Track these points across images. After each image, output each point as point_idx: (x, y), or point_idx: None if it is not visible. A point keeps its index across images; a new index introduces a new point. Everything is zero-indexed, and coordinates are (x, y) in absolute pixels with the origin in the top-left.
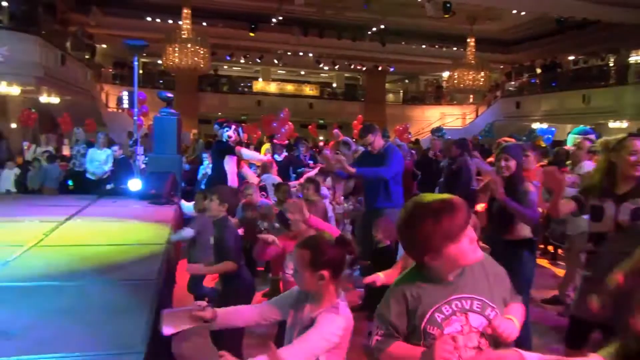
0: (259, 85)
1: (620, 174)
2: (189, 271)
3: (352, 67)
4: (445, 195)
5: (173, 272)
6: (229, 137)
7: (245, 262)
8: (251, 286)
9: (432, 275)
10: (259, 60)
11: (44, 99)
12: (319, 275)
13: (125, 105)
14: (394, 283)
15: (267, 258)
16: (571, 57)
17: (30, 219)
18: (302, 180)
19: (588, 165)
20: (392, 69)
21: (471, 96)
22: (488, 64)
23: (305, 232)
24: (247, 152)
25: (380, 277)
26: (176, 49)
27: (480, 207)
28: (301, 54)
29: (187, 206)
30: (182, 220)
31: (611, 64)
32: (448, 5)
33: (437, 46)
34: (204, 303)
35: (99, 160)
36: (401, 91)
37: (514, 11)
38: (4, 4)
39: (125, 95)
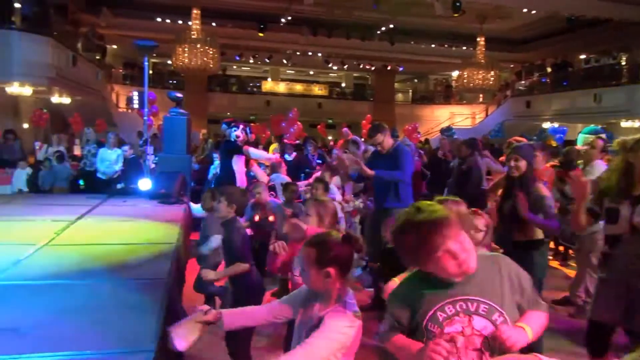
0: (268, 85)
1: (638, 175)
2: (205, 278)
3: (361, 66)
4: (435, 209)
5: (183, 271)
6: (237, 136)
7: (255, 261)
8: (260, 286)
9: (436, 276)
10: (267, 60)
11: (55, 99)
12: (325, 273)
13: (136, 105)
14: (402, 280)
15: (278, 266)
16: (582, 56)
17: (42, 218)
18: (311, 180)
19: (600, 165)
20: (401, 69)
21: (481, 95)
22: (498, 63)
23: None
24: (254, 152)
25: (396, 282)
26: (186, 49)
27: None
28: (310, 53)
29: (196, 208)
30: (192, 220)
31: (623, 63)
32: (457, 4)
33: (446, 45)
34: (205, 307)
35: (109, 160)
36: (410, 91)
37: (525, 10)
38: (17, 5)
39: (135, 95)
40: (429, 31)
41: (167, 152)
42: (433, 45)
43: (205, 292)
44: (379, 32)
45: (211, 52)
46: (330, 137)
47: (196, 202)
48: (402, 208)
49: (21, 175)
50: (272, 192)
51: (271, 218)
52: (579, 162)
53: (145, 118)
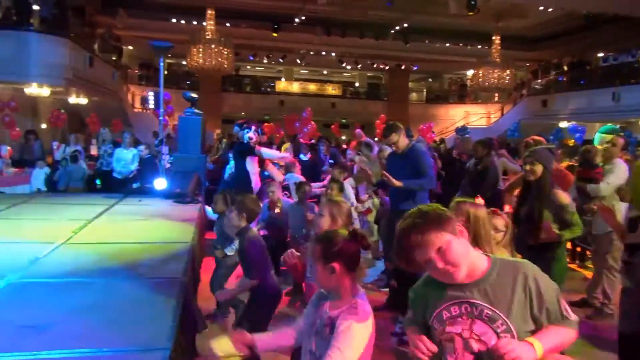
0: (282, 85)
1: None
2: (219, 298)
3: (374, 66)
4: (427, 211)
5: (198, 270)
6: (250, 138)
7: (271, 260)
8: (277, 293)
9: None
10: (281, 60)
11: (72, 99)
12: (331, 268)
13: (151, 105)
14: (423, 277)
15: (300, 269)
16: (600, 54)
17: (59, 217)
18: (325, 182)
19: (620, 163)
20: (415, 68)
21: (496, 95)
22: (514, 61)
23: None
24: (267, 151)
25: None
26: (200, 49)
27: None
28: (324, 53)
29: (211, 211)
30: (207, 220)
31: None
32: (472, 2)
33: (461, 44)
34: (246, 335)
35: (125, 159)
36: (424, 90)
37: (541, 8)
38: (35, 8)
39: (151, 95)
40: (444, 30)
41: (182, 152)
42: (448, 44)
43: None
44: (393, 31)
45: (225, 53)
46: (344, 137)
47: (211, 203)
48: None
49: (39, 175)
50: (285, 192)
51: (310, 217)
52: (599, 160)
53: (161, 118)
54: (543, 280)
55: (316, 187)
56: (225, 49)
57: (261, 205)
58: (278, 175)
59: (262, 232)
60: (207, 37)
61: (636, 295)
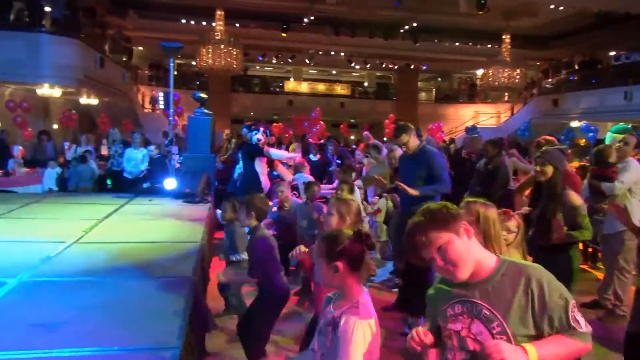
0: (291, 85)
1: None
2: (221, 279)
3: (383, 65)
4: (432, 210)
5: (207, 270)
6: (259, 139)
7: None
8: (286, 293)
9: None
10: (290, 60)
11: (83, 100)
12: (334, 267)
13: (161, 105)
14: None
15: (308, 265)
16: (612, 53)
17: (70, 217)
18: (335, 184)
19: (633, 162)
20: (424, 67)
21: (506, 94)
22: (524, 60)
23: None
24: (275, 152)
25: None
26: (210, 50)
27: (525, 209)
28: (333, 53)
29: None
30: (217, 221)
31: None
32: (482, 1)
33: (470, 43)
34: None
35: (135, 159)
36: (434, 89)
37: (552, 6)
38: (47, 9)
39: (161, 95)
40: (453, 29)
41: (192, 152)
42: (457, 44)
43: (224, 296)
44: (402, 30)
45: (234, 53)
46: (352, 137)
47: (220, 203)
48: None
49: (51, 175)
50: (294, 192)
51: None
52: (614, 160)
53: (171, 118)
54: (550, 286)
55: (325, 190)
56: (235, 49)
57: (270, 204)
58: (287, 174)
59: (271, 232)
60: (217, 37)
61: None
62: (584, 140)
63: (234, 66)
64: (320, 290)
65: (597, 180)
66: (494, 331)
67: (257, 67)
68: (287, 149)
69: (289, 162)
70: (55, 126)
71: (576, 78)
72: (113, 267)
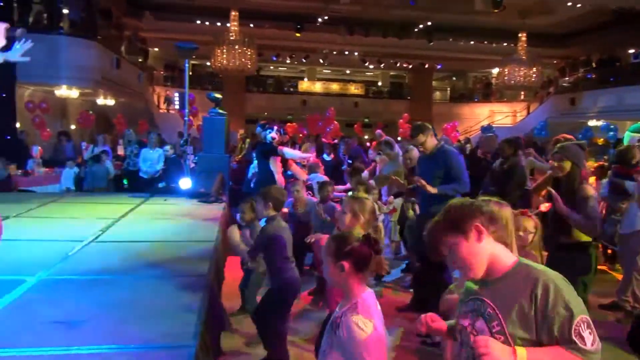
0: (305, 85)
1: None
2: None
3: (397, 65)
4: (448, 210)
5: (222, 269)
6: (273, 138)
7: (295, 259)
8: (295, 284)
9: None
10: (304, 60)
11: (100, 101)
12: (340, 266)
13: (176, 106)
14: None
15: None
16: (631, 50)
17: (87, 216)
18: (347, 186)
19: None
20: (439, 67)
21: (522, 93)
22: (540, 59)
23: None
24: (289, 151)
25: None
26: (224, 50)
27: (544, 207)
28: (346, 53)
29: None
30: (232, 221)
31: None
32: None
33: (486, 42)
34: None
35: (151, 159)
36: (448, 89)
37: (569, 3)
38: (65, 11)
39: (176, 96)
40: (468, 28)
41: (207, 152)
42: (472, 42)
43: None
44: (416, 29)
45: (249, 53)
46: (366, 137)
47: (234, 202)
48: None
49: (69, 175)
50: (309, 192)
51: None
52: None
53: (186, 119)
54: (556, 294)
55: (337, 192)
56: (249, 50)
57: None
58: (301, 174)
59: None
60: (231, 38)
61: None
62: (602, 139)
63: (248, 66)
64: (333, 289)
65: (621, 178)
66: (493, 330)
67: (271, 67)
68: (300, 149)
69: (302, 162)
70: (73, 127)
71: (594, 76)
72: (129, 266)
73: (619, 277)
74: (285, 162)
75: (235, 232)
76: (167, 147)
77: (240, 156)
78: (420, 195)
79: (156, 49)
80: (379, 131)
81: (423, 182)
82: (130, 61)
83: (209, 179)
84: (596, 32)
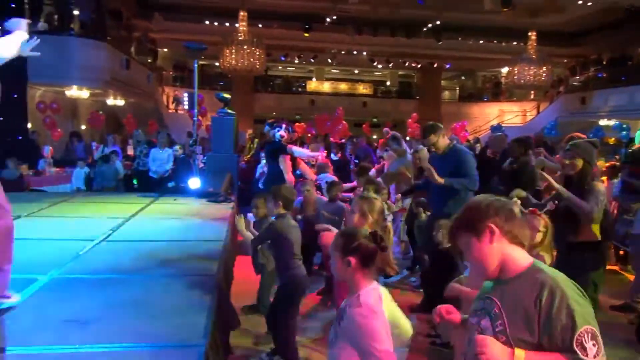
0: (313, 84)
1: None
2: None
3: (406, 64)
4: (466, 209)
5: (231, 268)
6: (282, 136)
7: (303, 259)
8: (301, 282)
9: None
10: (312, 60)
11: (110, 101)
12: (347, 261)
13: (185, 106)
14: None
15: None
16: None
17: (98, 215)
18: (354, 184)
19: None
20: (448, 66)
21: (532, 92)
22: (550, 58)
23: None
24: (298, 150)
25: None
26: (233, 50)
27: (552, 204)
28: (355, 52)
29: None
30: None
31: None
32: None
33: (495, 41)
34: None
35: (160, 159)
36: (457, 88)
37: (579, 2)
38: (75, 12)
39: (185, 96)
40: (477, 27)
41: (215, 152)
42: (481, 41)
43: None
44: (425, 29)
45: (257, 53)
46: (374, 136)
47: (242, 202)
48: None
49: (80, 175)
50: (318, 191)
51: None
52: None
53: (195, 119)
54: (562, 302)
55: (344, 190)
56: (257, 50)
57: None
58: (310, 173)
59: None
60: (240, 38)
61: None
62: (613, 139)
63: (257, 66)
64: (340, 287)
65: (636, 179)
66: (496, 329)
67: (280, 67)
68: (307, 149)
69: (311, 161)
70: (84, 127)
71: (605, 75)
72: (139, 265)
73: (631, 277)
74: (294, 160)
75: (241, 221)
76: (177, 147)
77: (248, 156)
78: (432, 196)
79: (165, 50)
80: (386, 129)
81: (432, 170)
82: (139, 62)
83: (218, 178)
84: (607, 30)
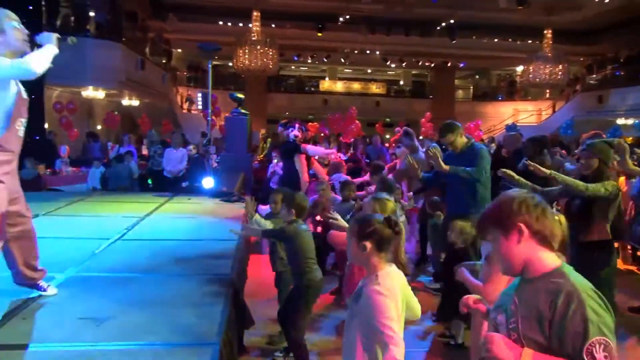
0: (326, 84)
1: None
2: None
3: (419, 63)
4: (496, 204)
5: (245, 267)
6: (296, 136)
7: (317, 260)
8: (316, 285)
9: None
10: (325, 60)
11: (125, 101)
12: (362, 246)
13: (199, 106)
14: None
15: (340, 240)
16: None
17: (114, 214)
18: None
19: None
20: (462, 65)
21: (547, 91)
22: (566, 56)
23: None
24: (312, 149)
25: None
26: (246, 51)
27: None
28: (368, 52)
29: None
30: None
31: None
32: None
33: (510, 39)
34: None
35: (175, 159)
36: (471, 87)
37: None
38: (91, 14)
39: (199, 96)
40: (492, 25)
41: (229, 152)
42: (496, 40)
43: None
44: (438, 28)
45: (271, 53)
46: (387, 136)
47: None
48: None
49: (96, 174)
50: (332, 191)
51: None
52: None
53: (209, 119)
54: (578, 308)
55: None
56: (271, 50)
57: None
58: (323, 173)
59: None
60: (253, 38)
61: None
62: (631, 138)
63: (270, 66)
64: (349, 282)
65: None
66: (510, 326)
67: (293, 67)
68: None
69: (324, 160)
70: (99, 127)
71: (622, 73)
72: (154, 264)
73: None
74: (308, 160)
75: (249, 202)
76: (191, 147)
77: (262, 155)
78: (448, 195)
79: (179, 50)
80: (397, 129)
81: (438, 154)
82: (154, 62)
83: (232, 178)
84: (624, 28)
